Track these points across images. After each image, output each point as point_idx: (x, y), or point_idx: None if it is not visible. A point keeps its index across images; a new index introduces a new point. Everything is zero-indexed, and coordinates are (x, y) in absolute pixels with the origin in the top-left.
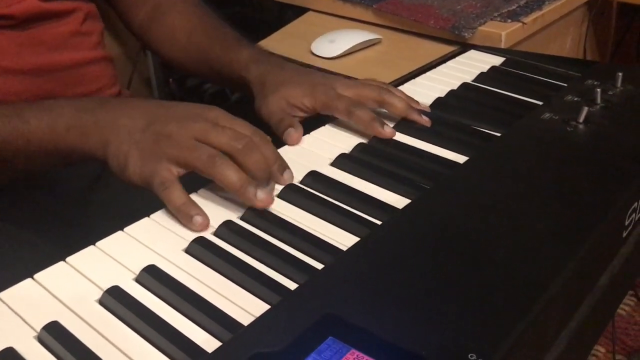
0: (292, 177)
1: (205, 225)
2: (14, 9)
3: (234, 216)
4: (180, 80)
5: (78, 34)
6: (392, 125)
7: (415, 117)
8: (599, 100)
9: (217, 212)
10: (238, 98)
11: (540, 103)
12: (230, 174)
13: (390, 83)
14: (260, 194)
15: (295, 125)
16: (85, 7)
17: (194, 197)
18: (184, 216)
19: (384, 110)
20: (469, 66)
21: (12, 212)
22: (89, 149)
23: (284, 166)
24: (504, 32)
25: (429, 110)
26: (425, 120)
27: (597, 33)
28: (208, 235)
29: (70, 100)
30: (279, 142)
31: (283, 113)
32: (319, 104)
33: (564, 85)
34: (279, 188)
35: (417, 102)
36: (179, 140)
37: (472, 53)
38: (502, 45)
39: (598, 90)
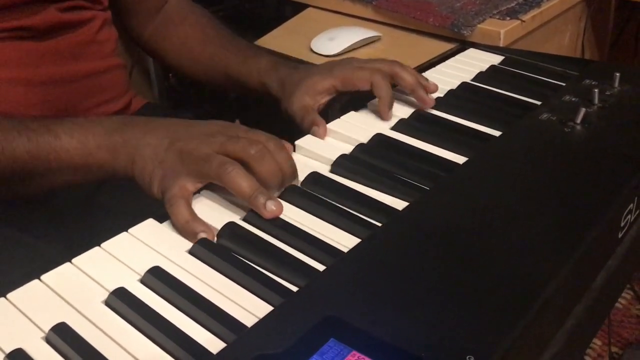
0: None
1: (210, 239)
2: (34, 20)
3: (237, 217)
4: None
5: (94, 42)
6: (394, 122)
7: (421, 94)
8: (596, 101)
9: (220, 214)
10: (237, 97)
11: (539, 103)
12: (241, 182)
13: None
14: (270, 205)
15: (318, 121)
16: (101, 16)
17: (198, 198)
18: (188, 234)
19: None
20: (468, 65)
21: (16, 214)
22: (118, 167)
23: (295, 174)
24: (503, 30)
25: (437, 88)
26: (429, 100)
27: (596, 29)
28: None
29: (99, 119)
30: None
31: (305, 110)
32: (340, 82)
33: (562, 85)
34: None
35: (426, 79)
36: (197, 154)
37: (471, 52)
38: (501, 43)
39: (596, 90)
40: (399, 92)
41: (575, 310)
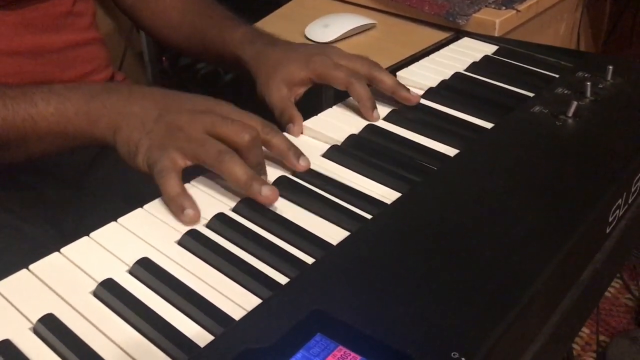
0: (308, 163)
1: (196, 219)
2: None
3: (227, 208)
4: (173, 58)
5: (70, 14)
6: (385, 112)
7: (403, 93)
8: (588, 94)
9: (210, 203)
10: (231, 78)
11: (532, 94)
12: (236, 171)
13: None
14: (265, 190)
15: (295, 119)
16: None
17: (188, 186)
18: (176, 207)
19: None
20: (462, 54)
21: (4, 198)
22: (98, 133)
23: (298, 153)
24: (498, 19)
25: (419, 97)
26: (414, 97)
27: (591, 19)
28: (200, 227)
29: (79, 85)
30: None
31: (283, 103)
32: (316, 75)
33: (555, 77)
34: (270, 180)
35: (404, 86)
36: (190, 132)
37: (466, 41)
38: (496, 33)
39: (588, 83)
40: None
41: (562, 305)
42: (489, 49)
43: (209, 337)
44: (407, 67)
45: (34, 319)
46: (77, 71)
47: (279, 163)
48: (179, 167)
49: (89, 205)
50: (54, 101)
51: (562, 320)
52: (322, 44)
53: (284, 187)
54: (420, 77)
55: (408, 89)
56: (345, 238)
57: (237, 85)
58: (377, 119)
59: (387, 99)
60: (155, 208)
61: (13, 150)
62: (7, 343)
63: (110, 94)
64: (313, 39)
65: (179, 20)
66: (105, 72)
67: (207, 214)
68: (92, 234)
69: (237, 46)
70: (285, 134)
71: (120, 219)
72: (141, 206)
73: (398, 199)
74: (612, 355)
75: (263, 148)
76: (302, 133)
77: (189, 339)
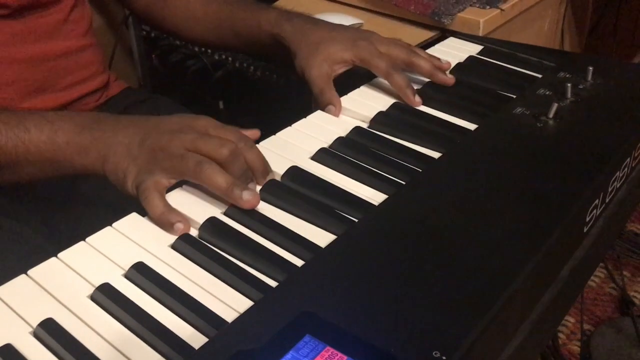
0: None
1: (187, 229)
2: None
3: (218, 212)
4: (163, 55)
5: (67, 22)
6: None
7: (440, 76)
8: (569, 95)
9: (201, 207)
10: (221, 75)
11: (515, 95)
12: (216, 178)
13: None
14: (246, 195)
15: (335, 101)
16: None
17: (179, 192)
18: (165, 224)
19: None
20: (448, 55)
21: (1, 202)
22: (88, 164)
23: (267, 171)
24: (482, 19)
25: (450, 66)
26: (450, 79)
27: (575, 14)
28: (193, 231)
29: (70, 114)
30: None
31: (323, 82)
32: (359, 59)
33: (538, 77)
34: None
35: (439, 59)
36: (171, 151)
37: (451, 41)
38: (480, 32)
39: (568, 85)
40: (374, 85)
41: (541, 301)
42: (474, 48)
43: (203, 339)
44: None
45: (34, 323)
46: (75, 77)
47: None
48: (162, 187)
49: (83, 207)
50: (47, 129)
51: (541, 316)
52: (361, 29)
53: (274, 190)
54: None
55: (444, 72)
56: (333, 241)
57: (227, 81)
58: (420, 103)
59: (373, 99)
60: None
61: (4, 173)
62: (9, 347)
63: (100, 125)
64: None
65: (203, 11)
66: (101, 77)
67: (199, 218)
68: (88, 239)
69: (274, 25)
70: (288, 129)
71: (115, 224)
72: (135, 209)
73: (384, 202)
74: (596, 344)
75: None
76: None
77: (183, 341)
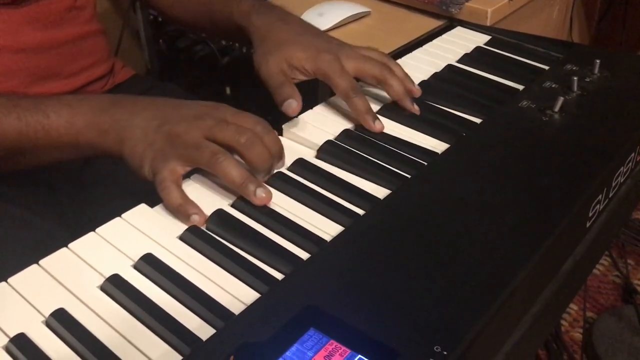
0: (283, 165)
1: (202, 221)
2: None
3: (225, 203)
4: (171, 40)
5: (73, 8)
6: (377, 107)
7: (407, 104)
8: (575, 88)
9: (209, 199)
10: (228, 61)
11: (521, 87)
12: (231, 172)
13: None
14: (260, 192)
15: (296, 95)
16: None
17: (186, 183)
18: (182, 216)
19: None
20: (455, 45)
21: (11, 190)
22: (107, 146)
23: (282, 156)
24: (490, 8)
25: (420, 93)
26: (415, 109)
27: (584, 2)
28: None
29: (87, 97)
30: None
31: (283, 77)
32: (320, 73)
33: (544, 68)
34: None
35: (412, 81)
36: (187, 139)
37: (459, 30)
38: (488, 22)
39: (575, 78)
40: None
41: (542, 296)
42: (481, 39)
43: (211, 331)
44: (400, 57)
45: (46, 313)
46: (80, 64)
47: None
48: (178, 176)
49: (94, 193)
50: (65, 113)
51: (542, 310)
52: (333, 38)
53: (281, 182)
54: (413, 69)
55: (412, 101)
56: (338, 235)
57: (234, 67)
58: (382, 128)
59: (380, 91)
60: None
61: (27, 158)
62: (22, 337)
63: (117, 107)
64: None
65: None
66: (106, 63)
67: (207, 210)
68: (98, 230)
69: (243, 17)
70: (295, 120)
71: (124, 215)
72: (144, 194)
73: (389, 196)
74: (598, 332)
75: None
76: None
77: (191, 332)
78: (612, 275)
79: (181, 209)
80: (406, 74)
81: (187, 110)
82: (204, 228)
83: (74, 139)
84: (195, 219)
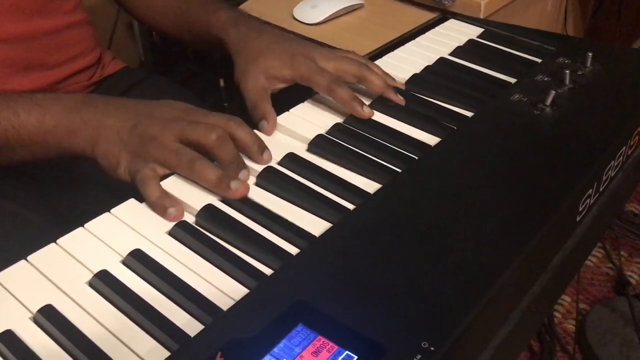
0: (270, 157)
1: (180, 215)
2: None
3: (215, 198)
4: None
5: None
6: (368, 102)
7: (391, 95)
8: (567, 82)
9: (199, 194)
10: (222, 56)
11: (514, 80)
12: (207, 174)
13: (369, 53)
14: (234, 185)
15: (268, 116)
16: None
17: (176, 179)
18: (160, 209)
19: (361, 86)
20: (447, 37)
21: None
22: (77, 146)
23: (262, 147)
24: (484, 1)
25: (404, 87)
26: (399, 99)
27: None
28: (190, 218)
29: (59, 97)
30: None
31: (258, 95)
32: (298, 76)
33: (537, 61)
34: (258, 170)
35: (393, 79)
36: (162, 142)
37: (451, 23)
38: (482, 14)
39: (567, 71)
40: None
41: (531, 291)
42: (474, 31)
43: (199, 327)
44: (393, 50)
45: (34, 309)
46: (65, 54)
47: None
48: (157, 174)
49: (84, 187)
50: (35, 112)
51: (532, 305)
52: (307, 42)
53: (270, 178)
54: (406, 62)
55: (395, 91)
56: (327, 230)
57: (228, 59)
58: (370, 114)
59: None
60: None
61: (5, 155)
62: (9, 333)
63: (88, 107)
64: (301, 20)
65: (162, 5)
66: (92, 54)
67: (196, 205)
68: (86, 225)
69: (220, 29)
70: (256, 131)
71: (113, 210)
72: (134, 191)
73: (379, 191)
74: (591, 323)
75: None
76: (274, 131)
77: (179, 328)
78: (605, 267)
79: (158, 202)
80: (385, 73)
81: (160, 112)
82: (193, 223)
83: (43, 139)
84: (172, 211)
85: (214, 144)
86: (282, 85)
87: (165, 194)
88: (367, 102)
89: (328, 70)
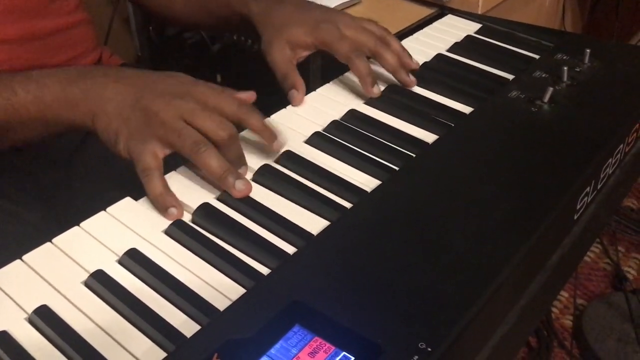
0: (282, 144)
1: (180, 215)
2: None
3: (211, 197)
4: (160, 28)
5: None
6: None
7: (402, 76)
8: (565, 78)
9: (195, 192)
10: (219, 48)
11: (512, 77)
12: (212, 163)
13: None
14: (239, 184)
15: (298, 85)
16: None
17: (172, 175)
18: (160, 206)
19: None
20: (445, 33)
21: None
22: (77, 120)
23: (273, 135)
24: None
25: (418, 67)
26: (411, 81)
27: None
28: (186, 216)
29: (55, 71)
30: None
31: (286, 65)
32: (320, 42)
33: (535, 57)
34: (255, 168)
35: (410, 57)
36: (166, 119)
37: (449, 19)
38: (480, 9)
39: (565, 68)
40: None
41: (529, 289)
42: (472, 27)
43: (195, 327)
44: None
45: (29, 310)
46: (66, 55)
47: (262, 151)
48: (160, 161)
49: (80, 185)
50: (32, 88)
51: (529, 303)
52: (330, 8)
53: (267, 175)
54: None
55: (408, 72)
56: (325, 229)
57: (225, 55)
58: (377, 94)
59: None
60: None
61: (4, 135)
62: (4, 335)
63: (86, 79)
64: None
65: None
66: (93, 53)
67: (192, 203)
68: (82, 224)
69: (242, 4)
70: (282, 111)
71: (109, 209)
72: (132, 187)
73: (376, 189)
74: (588, 319)
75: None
76: (303, 100)
77: (175, 328)
78: (603, 262)
79: (160, 199)
80: (403, 48)
81: (164, 86)
82: (189, 222)
83: (42, 115)
84: (173, 211)
85: (223, 142)
86: (306, 53)
87: (168, 191)
88: (362, 99)
89: (350, 39)
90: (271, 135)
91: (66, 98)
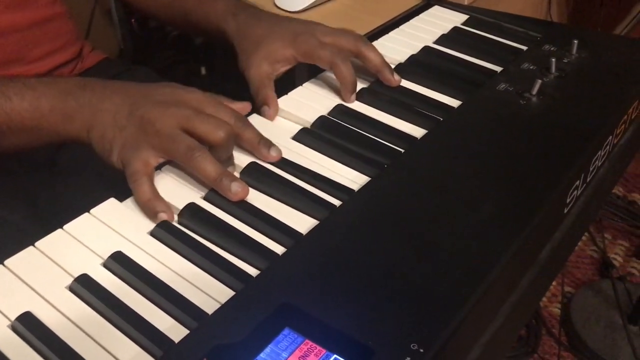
0: (279, 152)
1: (169, 220)
2: None
3: (197, 196)
4: (143, 20)
5: None
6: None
7: (387, 74)
8: (553, 70)
9: (181, 191)
10: (202, 41)
11: (499, 69)
12: (207, 167)
13: None
14: (235, 187)
15: (270, 101)
16: None
17: (159, 174)
18: (149, 212)
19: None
20: (432, 25)
21: None
22: (73, 131)
23: (268, 144)
24: None
25: (400, 80)
26: (396, 80)
27: None
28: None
29: (53, 79)
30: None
31: (261, 81)
32: (300, 54)
33: (523, 49)
34: (242, 166)
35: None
36: (161, 127)
37: (436, 10)
38: (466, 0)
39: (553, 59)
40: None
41: (520, 286)
42: (459, 18)
43: (183, 331)
44: (376, 38)
45: (12, 317)
46: (45, 49)
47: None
48: (151, 169)
49: (63, 184)
50: (29, 96)
51: (519, 300)
52: (306, 20)
53: (254, 174)
54: (390, 51)
55: (392, 70)
56: (313, 228)
57: (209, 47)
58: (352, 102)
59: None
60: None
61: None
62: None
63: (85, 91)
64: (282, 7)
65: None
66: (73, 47)
67: (178, 204)
68: (65, 227)
69: (220, 19)
70: (253, 118)
71: (93, 210)
72: (118, 186)
73: (365, 186)
74: (576, 306)
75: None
76: (276, 116)
77: (163, 333)
78: (590, 249)
79: (149, 204)
80: (381, 55)
81: (160, 95)
82: (175, 223)
83: (37, 124)
84: (163, 216)
85: (221, 142)
86: (286, 67)
87: (157, 196)
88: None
89: (330, 45)
90: (266, 145)
91: (63, 109)
